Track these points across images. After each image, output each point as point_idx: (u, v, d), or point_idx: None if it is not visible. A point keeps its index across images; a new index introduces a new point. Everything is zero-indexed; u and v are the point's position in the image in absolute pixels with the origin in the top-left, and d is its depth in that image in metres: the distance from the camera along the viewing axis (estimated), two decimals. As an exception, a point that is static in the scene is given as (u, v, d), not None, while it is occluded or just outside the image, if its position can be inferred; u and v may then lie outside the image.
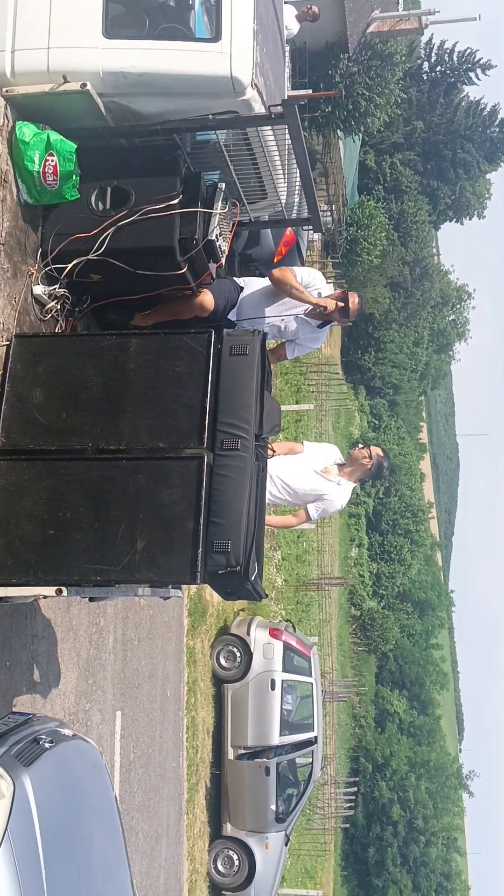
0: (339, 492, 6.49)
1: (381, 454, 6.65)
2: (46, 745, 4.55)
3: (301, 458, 6.57)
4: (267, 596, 5.83)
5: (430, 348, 40.32)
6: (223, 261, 5.47)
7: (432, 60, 34.43)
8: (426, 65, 34.48)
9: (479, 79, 34.39)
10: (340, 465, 6.63)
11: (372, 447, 6.60)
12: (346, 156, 25.39)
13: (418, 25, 21.66)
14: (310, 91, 17.40)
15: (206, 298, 5.64)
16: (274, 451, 5.37)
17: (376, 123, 22.10)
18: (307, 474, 6.40)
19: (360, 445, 6.71)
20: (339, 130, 21.61)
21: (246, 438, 4.49)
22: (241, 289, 6.00)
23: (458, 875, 39.65)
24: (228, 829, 11.75)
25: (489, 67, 34.03)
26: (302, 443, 6.78)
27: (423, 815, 34.61)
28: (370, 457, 6.55)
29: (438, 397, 77.73)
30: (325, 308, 5.88)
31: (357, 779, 32.52)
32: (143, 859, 8.76)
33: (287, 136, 5.21)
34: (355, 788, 30.71)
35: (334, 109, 20.06)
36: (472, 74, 34.28)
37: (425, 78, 34.55)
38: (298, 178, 5.71)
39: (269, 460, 4.92)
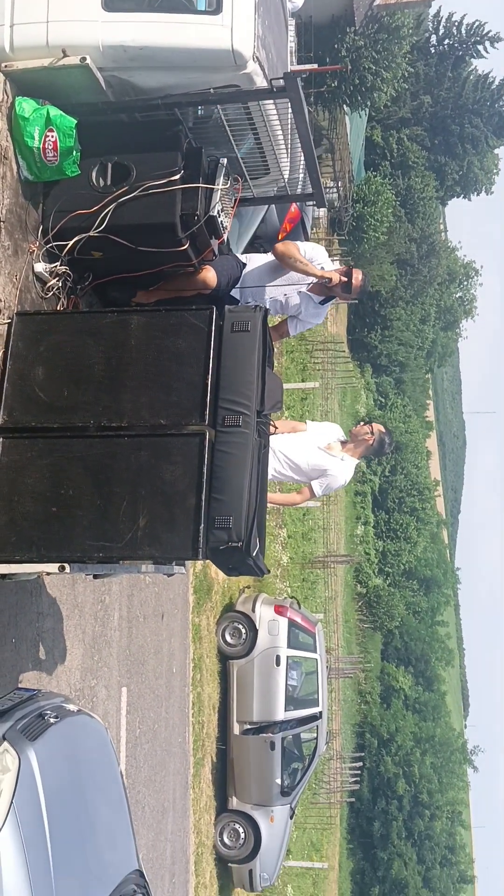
0: (343, 467, 6.53)
1: (383, 430, 6.70)
2: (52, 720, 4.58)
3: (304, 434, 6.60)
4: (269, 571, 5.86)
5: (437, 325, 40.10)
6: (225, 237, 5.44)
7: (440, 33, 33.94)
8: (434, 38, 34.00)
9: (487, 52, 33.91)
10: (343, 442, 6.66)
11: (374, 423, 6.62)
12: (353, 131, 25.14)
13: (425, -3, 21.36)
14: (315, 65, 17.16)
15: (209, 275, 5.62)
16: (276, 428, 5.37)
17: (383, 98, 21.87)
18: (310, 450, 6.44)
19: (362, 422, 6.71)
20: (345, 105, 21.38)
21: (247, 415, 4.49)
22: (244, 265, 5.98)
23: (462, 848, 40.00)
24: (234, 802, 11.89)
25: (498, 40, 33.54)
26: (305, 422, 6.78)
27: (428, 789, 34.91)
28: (372, 433, 6.57)
29: (445, 375, 77.46)
30: (329, 280, 5.85)
31: (362, 754, 32.78)
32: (149, 832, 8.87)
33: (289, 111, 5.16)
34: (361, 763, 30.93)
35: (340, 84, 19.85)
36: (480, 47, 33.79)
37: (433, 51, 34.07)
38: (302, 154, 5.66)
39: (272, 437, 4.92)
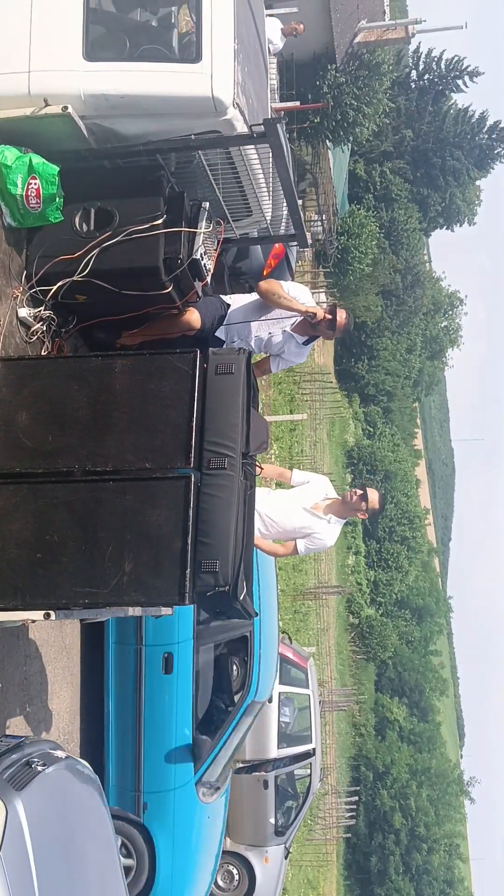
0: (329, 530, 6.37)
1: (377, 502, 6.46)
2: (39, 767, 4.53)
3: (290, 494, 6.47)
4: (258, 614, 5.80)
5: (423, 355, 40.41)
6: (209, 279, 5.49)
7: (420, 69, 34.57)
8: (414, 73, 34.62)
9: (466, 86, 34.54)
10: (331, 502, 6.48)
11: (369, 492, 6.38)
12: (336, 165, 25.47)
13: (405, 35, 21.79)
14: (297, 103, 17.48)
15: (193, 317, 5.66)
16: (262, 469, 5.36)
17: (365, 133, 22.17)
18: (296, 512, 6.28)
19: (356, 492, 6.41)
20: (328, 141, 21.69)
21: (233, 457, 4.49)
22: (228, 306, 6.01)
23: (460, 881, 39.54)
24: (227, 843, 11.69)
25: (477, 74, 34.19)
26: (292, 470, 6.71)
27: (425, 822, 34.52)
28: (366, 509, 6.39)
29: (433, 403, 77.84)
30: (314, 316, 5.89)
31: (358, 787, 32.42)
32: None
33: (270, 155, 5.24)
34: (356, 797, 30.60)
35: (323, 120, 20.13)
36: (459, 82, 34.42)
37: (413, 86, 34.68)
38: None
39: (257, 497, 4.89)
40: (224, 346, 5.87)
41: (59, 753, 4.96)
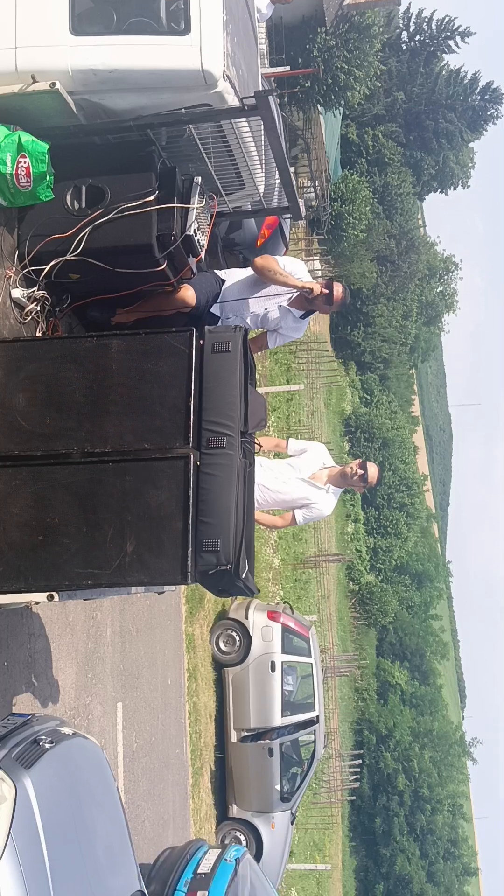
0: (327, 500, 6.42)
1: (376, 477, 6.46)
2: (47, 745, 4.57)
3: (287, 464, 6.49)
4: (259, 591, 5.84)
5: (419, 321, 40.24)
6: (203, 255, 5.44)
7: (411, 30, 34.09)
8: (405, 34, 34.15)
9: (458, 47, 34.09)
10: (328, 471, 6.50)
11: (369, 467, 6.40)
12: (328, 130, 25.17)
13: (395, -5, 21.43)
14: (288, 68, 17.23)
15: (188, 293, 5.61)
16: (261, 447, 5.36)
17: (356, 97, 21.91)
18: (294, 483, 6.31)
19: (357, 470, 6.40)
20: (319, 105, 21.42)
21: (232, 436, 4.48)
22: (223, 281, 5.97)
23: (464, 840, 40.19)
24: (234, 810, 11.89)
25: (468, 34, 33.71)
26: (287, 439, 6.71)
27: (428, 783, 35.06)
28: (364, 485, 6.44)
29: (429, 369, 77.71)
30: (311, 291, 5.85)
31: (361, 751, 32.86)
32: (150, 846, 8.85)
33: (262, 127, 5.17)
34: (360, 760, 31.02)
35: (313, 84, 19.88)
36: (451, 42, 33.97)
37: (404, 48, 34.21)
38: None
39: (255, 468, 4.89)
40: (219, 323, 5.84)
41: (66, 730, 5.01)
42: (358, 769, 29.47)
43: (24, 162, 4.76)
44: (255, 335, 6.21)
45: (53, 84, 4.67)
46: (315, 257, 26.61)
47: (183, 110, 4.85)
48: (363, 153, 33.14)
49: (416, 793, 34.73)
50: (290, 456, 6.61)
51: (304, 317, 6.06)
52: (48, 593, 4.28)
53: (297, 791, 12.24)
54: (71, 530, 4.35)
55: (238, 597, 13.09)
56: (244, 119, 5.15)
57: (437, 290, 42.27)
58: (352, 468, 6.37)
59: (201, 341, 4.62)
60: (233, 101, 4.89)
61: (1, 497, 4.46)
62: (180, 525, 4.27)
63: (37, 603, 4.47)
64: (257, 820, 11.84)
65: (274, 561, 17.64)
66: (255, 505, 5.61)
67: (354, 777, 28.29)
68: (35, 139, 4.78)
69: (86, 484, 4.41)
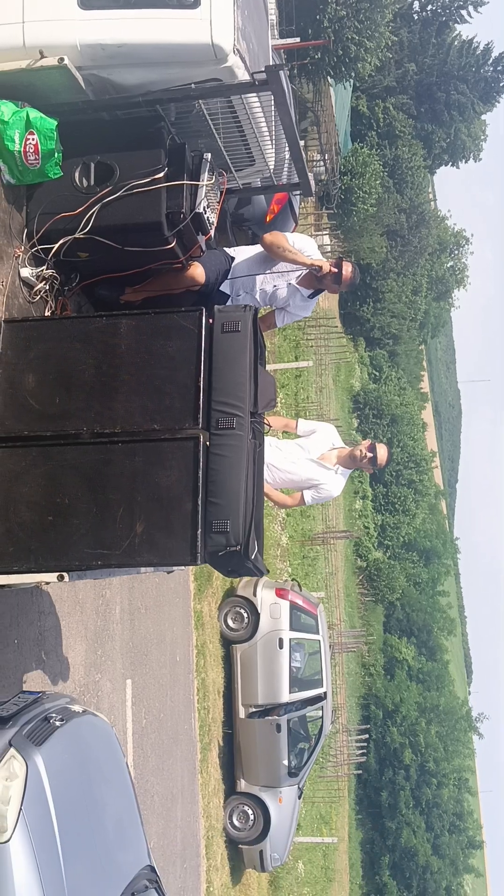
0: (336, 480, 6.43)
1: (385, 458, 6.47)
2: (57, 722, 4.60)
3: (296, 444, 6.48)
4: (268, 572, 5.83)
5: (429, 296, 40.00)
6: (212, 232, 5.38)
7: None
8: (416, 4, 33.65)
9: (471, 16, 33.58)
10: (338, 451, 6.50)
11: (378, 449, 6.39)
12: (338, 102, 24.87)
13: (407, -36, 21.04)
14: (298, 40, 16.98)
15: (197, 271, 5.57)
16: (270, 426, 5.34)
17: (367, 68, 21.61)
18: (303, 463, 6.33)
19: (366, 453, 6.40)
20: (329, 77, 21.14)
21: (241, 416, 4.46)
22: (232, 259, 5.92)
23: (469, 814, 40.56)
24: (242, 785, 12.00)
25: (481, 4, 33.19)
26: (297, 420, 6.69)
27: (435, 757, 35.33)
28: (374, 464, 6.42)
29: (439, 345, 77.35)
30: (320, 269, 5.80)
31: (368, 726, 33.11)
32: (159, 820, 8.95)
33: (272, 102, 5.09)
34: (367, 735, 31.27)
35: (324, 56, 19.61)
36: (463, 12, 33.45)
37: (416, 18, 33.72)
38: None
39: (264, 448, 4.88)
40: (229, 301, 5.79)
41: (77, 707, 5.04)
42: (365, 744, 29.73)
43: (33, 139, 4.71)
44: (263, 313, 6.17)
45: (62, 59, 4.60)
46: (324, 232, 26.40)
47: (192, 85, 4.78)
48: (373, 126, 32.76)
49: (422, 767, 35.02)
50: (300, 436, 6.59)
51: (312, 296, 6.01)
52: (58, 573, 4.29)
53: (304, 766, 12.33)
54: (81, 511, 4.35)
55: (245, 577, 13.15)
56: (254, 94, 5.07)
57: (448, 265, 41.96)
58: (361, 450, 6.36)
59: (211, 321, 4.59)
60: (243, 75, 4.82)
61: (11, 478, 4.46)
62: (190, 506, 4.26)
63: (47, 583, 4.48)
64: (265, 794, 11.94)
65: (282, 538, 17.67)
66: (266, 485, 5.61)
67: (361, 752, 28.54)
68: (43, 116, 4.72)
69: (95, 464, 4.41)
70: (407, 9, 32.81)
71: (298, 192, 6.76)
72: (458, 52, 34.49)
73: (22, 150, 4.72)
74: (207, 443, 4.42)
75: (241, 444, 4.41)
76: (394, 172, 32.54)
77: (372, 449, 6.35)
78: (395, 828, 34.48)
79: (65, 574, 4.31)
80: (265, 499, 5.68)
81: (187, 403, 4.42)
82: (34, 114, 4.70)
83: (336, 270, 5.81)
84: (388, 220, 30.88)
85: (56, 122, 4.74)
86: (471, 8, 33.30)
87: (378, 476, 35.90)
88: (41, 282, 5.02)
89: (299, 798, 12.74)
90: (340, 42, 19.43)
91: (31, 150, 4.73)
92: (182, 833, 9.83)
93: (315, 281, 5.90)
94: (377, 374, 37.49)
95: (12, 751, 4.25)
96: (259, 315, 5.45)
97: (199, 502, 4.27)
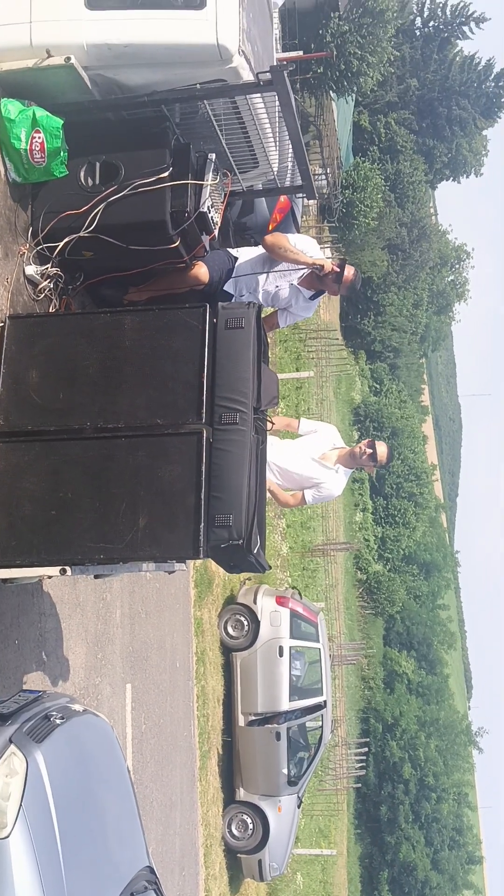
0: (337, 480, 6.45)
1: (385, 455, 6.49)
2: (57, 721, 4.59)
3: (298, 444, 6.50)
4: (270, 567, 5.84)
5: (430, 310, 40.12)
6: (216, 232, 5.42)
7: (425, 15, 33.85)
8: (419, 20, 33.90)
9: (472, 33, 33.84)
10: (339, 451, 6.52)
11: (378, 446, 6.42)
12: (340, 117, 25.04)
13: (409, -20, 21.24)
14: (301, 53, 17.13)
15: (201, 271, 5.60)
16: (273, 424, 5.36)
17: (369, 83, 21.77)
18: (304, 462, 6.34)
19: (366, 449, 6.44)
20: (331, 91, 21.29)
21: (244, 412, 4.48)
22: (236, 259, 5.96)
23: (469, 829, 40.27)
24: (241, 793, 11.93)
25: (483, 20, 33.45)
26: (299, 419, 6.71)
27: (434, 772, 35.12)
28: (374, 461, 6.43)
29: (439, 359, 77.49)
30: (322, 268, 5.84)
31: (367, 739, 32.94)
32: (158, 827, 8.90)
33: (277, 103, 5.14)
34: (366, 749, 31.10)
35: (326, 70, 19.75)
36: (465, 28, 33.72)
37: (418, 34, 33.98)
38: (290, 144, 5.64)
39: (267, 446, 4.90)
40: (233, 300, 5.83)
41: (77, 707, 5.03)
42: (364, 757, 29.56)
43: (39, 137, 4.75)
44: (266, 314, 6.21)
45: (68, 59, 4.66)
46: (326, 245, 26.50)
47: (198, 86, 4.83)
48: (375, 140, 32.95)
49: (421, 781, 34.81)
50: (301, 436, 6.61)
51: (314, 297, 6.04)
52: (61, 567, 4.30)
53: (303, 775, 12.26)
54: (84, 505, 4.37)
55: (247, 581, 13.12)
56: (259, 95, 5.12)
57: (449, 279, 42.11)
58: (360, 448, 6.38)
59: (214, 319, 4.61)
60: (248, 76, 4.87)
61: (14, 472, 4.47)
62: (192, 500, 4.27)
63: (49, 577, 4.49)
64: (264, 803, 11.87)
65: (282, 548, 17.66)
66: (268, 483, 5.62)
67: (360, 765, 28.38)
68: (49, 114, 4.77)
69: (99, 459, 4.42)
70: (409, 24, 33.06)
71: (302, 196, 6.80)
72: (459, 67, 34.75)
73: (28, 148, 4.76)
74: (210, 438, 4.43)
75: (243, 440, 4.42)
76: (395, 187, 32.73)
77: (371, 446, 6.37)
78: (395, 842, 34.25)
79: (67, 568, 4.32)
80: (268, 495, 5.70)
81: (190, 399, 4.44)
82: (40, 112, 4.74)
83: (338, 270, 5.85)
84: (389, 233, 31.02)
85: (62, 121, 4.78)
86: (473, 24, 33.56)
87: (378, 488, 35.92)
88: (46, 280, 5.06)
89: (298, 807, 12.66)
90: (343, 56, 19.58)
91: (37, 149, 4.77)
92: (181, 841, 9.77)
93: (316, 281, 5.94)
94: (378, 386, 37.57)
95: (13, 747, 4.24)
96: (263, 315, 5.47)
97: (202, 497, 4.28)
